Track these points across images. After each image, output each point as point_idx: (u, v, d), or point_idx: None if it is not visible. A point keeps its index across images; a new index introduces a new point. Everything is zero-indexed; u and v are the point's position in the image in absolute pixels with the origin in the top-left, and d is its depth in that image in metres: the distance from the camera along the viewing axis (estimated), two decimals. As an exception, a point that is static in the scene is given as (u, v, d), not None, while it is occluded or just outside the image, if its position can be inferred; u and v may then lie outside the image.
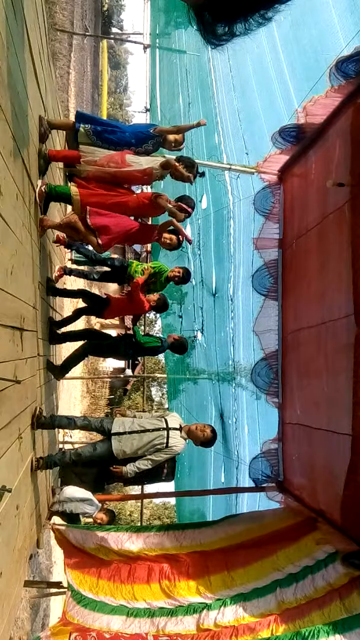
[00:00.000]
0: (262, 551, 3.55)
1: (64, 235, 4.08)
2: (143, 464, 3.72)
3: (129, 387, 21.04)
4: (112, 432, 3.68)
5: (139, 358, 19.03)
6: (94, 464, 5.98)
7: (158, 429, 3.67)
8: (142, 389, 18.79)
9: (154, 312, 5.82)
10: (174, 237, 4.21)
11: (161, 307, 5.01)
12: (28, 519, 2.85)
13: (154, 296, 4.92)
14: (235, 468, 5.77)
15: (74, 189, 3.36)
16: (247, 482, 5.28)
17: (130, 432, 3.66)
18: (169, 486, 6.15)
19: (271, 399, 4.99)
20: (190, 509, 6.94)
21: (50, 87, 3.58)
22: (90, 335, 4.87)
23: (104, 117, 19.52)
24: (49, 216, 3.49)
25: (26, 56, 2.52)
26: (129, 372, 19.65)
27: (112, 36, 19.37)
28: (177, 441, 3.73)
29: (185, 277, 5.04)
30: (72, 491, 4.59)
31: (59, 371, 4.47)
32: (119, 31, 29.03)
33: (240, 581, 3.37)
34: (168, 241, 4.24)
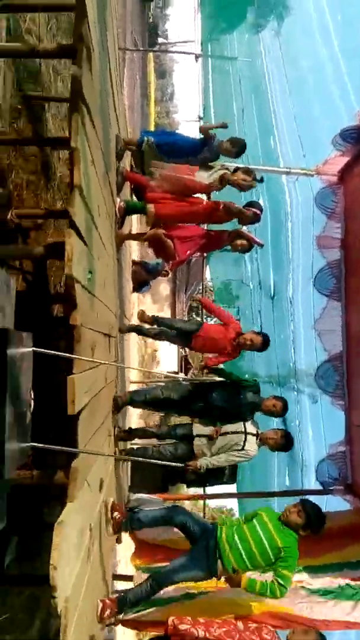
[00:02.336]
0: (331, 544, 3.63)
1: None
2: (216, 460, 3.83)
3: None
4: (195, 434, 3.83)
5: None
6: (158, 466, 6.20)
7: (237, 432, 3.79)
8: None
9: None
10: (244, 241, 4.31)
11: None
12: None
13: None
14: (300, 471, 5.75)
15: (149, 205, 3.57)
16: (312, 485, 5.25)
17: (205, 435, 3.80)
18: (231, 489, 6.20)
19: (337, 401, 4.95)
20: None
21: (120, 108, 3.81)
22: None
23: (152, 126, 19.97)
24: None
25: (108, 84, 2.72)
26: (182, 375, 19.83)
27: (162, 48, 19.75)
28: (253, 446, 3.81)
29: None
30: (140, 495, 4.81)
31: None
32: (165, 41, 29.40)
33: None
34: (240, 247, 4.34)
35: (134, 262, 6.60)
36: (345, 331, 4.93)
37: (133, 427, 4.81)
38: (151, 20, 26.69)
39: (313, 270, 5.52)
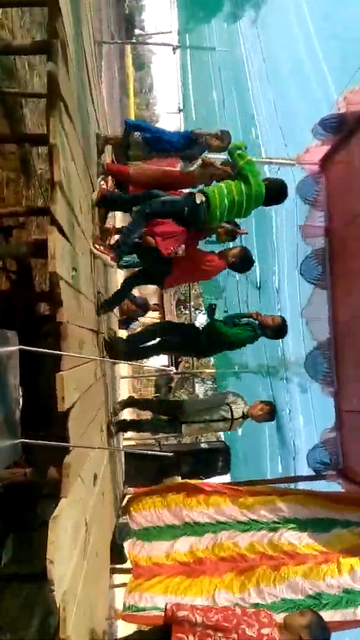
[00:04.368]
0: (329, 502, 3.79)
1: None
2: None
3: (173, 384, 21.26)
4: (182, 420, 3.88)
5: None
6: (152, 459, 6.25)
7: (223, 419, 3.85)
8: (185, 386, 19.03)
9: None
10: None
11: (243, 263, 3.90)
12: (109, 505, 3.06)
13: (233, 250, 3.80)
14: (292, 458, 5.83)
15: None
16: (305, 472, 5.33)
17: (198, 422, 3.84)
18: (225, 479, 6.28)
19: (327, 388, 5.02)
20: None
21: (99, 102, 3.79)
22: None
23: (132, 119, 19.79)
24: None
25: (85, 78, 2.70)
26: (173, 369, 19.82)
27: (139, 41, 19.59)
28: (238, 427, 4.04)
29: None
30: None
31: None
32: (142, 32, 29.04)
33: (298, 502, 3.73)
34: (224, 235, 4.29)
35: None
36: (332, 318, 4.99)
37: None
38: (127, 11, 26.33)
39: (298, 258, 5.55)
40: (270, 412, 4.06)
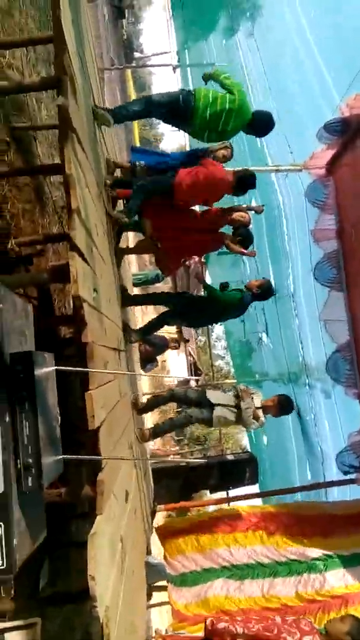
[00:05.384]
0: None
1: None
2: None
3: (194, 396, 21.14)
4: (213, 402, 4.07)
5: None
6: (179, 475, 6.28)
7: (248, 407, 4.03)
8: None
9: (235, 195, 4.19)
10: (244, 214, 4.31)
11: (244, 184, 3.95)
12: (140, 522, 3.08)
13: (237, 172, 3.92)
14: (321, 464, 5.76)
15: (145, 219, 3.65)
16: (334, 477, 5.26)
17: (224, 405, 4.04)
18: (253, 489, 6.24)
19: (350, 390, 4.98)
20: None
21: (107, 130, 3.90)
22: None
23: (137, 140, 20.12)
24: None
25: (90, 104, 2.80)
26: (193, 382, 19.84)
27: (139, 64, 20.00)
28: (262, 419, 4.12)
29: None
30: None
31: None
32: (141, 55, 29.64)
33: (338, 546, 3.61)
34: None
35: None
36: (351, 319, 4.97)
37: (149, 425, 4.92)
38: (125, 37, 26.93)
39: (312, 262, 5.57)
40: (281, 402, 4.14)
